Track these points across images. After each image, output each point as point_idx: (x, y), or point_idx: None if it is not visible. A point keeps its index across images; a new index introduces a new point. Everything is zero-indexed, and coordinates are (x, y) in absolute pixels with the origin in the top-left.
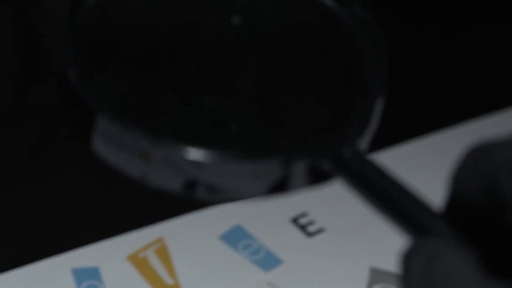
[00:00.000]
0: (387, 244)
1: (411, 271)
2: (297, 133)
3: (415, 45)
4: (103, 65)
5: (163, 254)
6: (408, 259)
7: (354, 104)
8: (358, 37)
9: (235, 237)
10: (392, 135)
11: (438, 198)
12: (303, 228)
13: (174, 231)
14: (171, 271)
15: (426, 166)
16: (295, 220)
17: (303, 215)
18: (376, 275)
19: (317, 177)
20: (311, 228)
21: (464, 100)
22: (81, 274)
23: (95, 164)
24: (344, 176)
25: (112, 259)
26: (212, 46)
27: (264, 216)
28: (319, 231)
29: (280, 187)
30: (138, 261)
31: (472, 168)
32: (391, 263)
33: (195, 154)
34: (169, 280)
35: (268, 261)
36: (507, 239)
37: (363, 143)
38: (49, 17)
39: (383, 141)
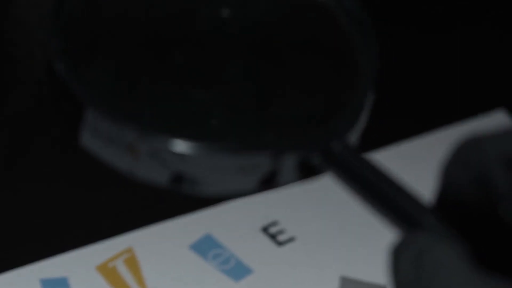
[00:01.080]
0: (358, 253)
1: (401, 266)
2: (287, 127)
3: (402, 46)
4: (90, 57)
5: (133, 264)
6: (397, 253)
7: (344, 98)
8: (348, 31)
9: (205, 247)
10: (384, 135)
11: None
12: (273, 237)
13: (143, 240)
14: (140, 281)
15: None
16: (265, 229)
17: (274, 224)
18: (346, 284)
19: (306, 172)
20: (282, 237)
21: (455, 100)
22: (49, 285)
23: (64, 176)
24: (333, 170)
25: (81, 269)
26: (202, 38)
27: (234, 225)
28: (290, 240)
29: (269, 181)
30: (107, 271)
31: (463, 162)
32: (361, 272)
33: (181, 146)
34: None
35: (238, 270)
36: (497, 232)
37: (353, 137)
38: (19, 25)
39: (376, 141)
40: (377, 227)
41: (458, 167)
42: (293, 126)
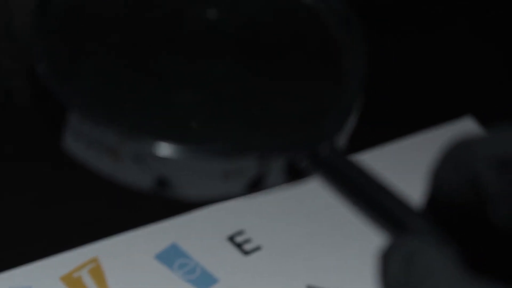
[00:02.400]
0: (324, 261)
1: (390, 269)
2: (273, 129)
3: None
4: (74, 59)
5: (98, 274)
6: (386, 257)
7: (332, 99)
8: (336, 31)
9: (171, 256)
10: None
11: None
12: (239, 246)
13: (109, 250)
14: None
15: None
16: (231, 238)
17: (240, 233)
18: None
19: (294, 174)
20: (248, 246)
21: (423, 108)
22: None
23: (29, 186)
24: (321, 173)
25: (46, 279)
26: (187, 40)
27: (200, 235)
28: (256, 249)
29: (256, 184)
30: (72, 281)
31: (453, 164)
32: (327, 280)
33: (165, 149)
34: None
35: (203, 280)
36: (488, 234)
37: (341, 139)
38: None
39: (362, 142)
40: (343, 235)
41: (449, 169)
42: (280, 128)
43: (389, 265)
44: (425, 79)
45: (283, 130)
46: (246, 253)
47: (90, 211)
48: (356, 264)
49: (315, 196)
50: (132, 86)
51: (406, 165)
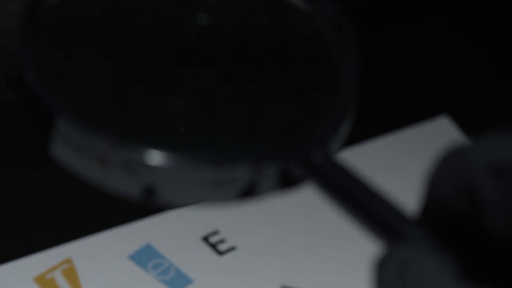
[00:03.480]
0: (298, 261)
1: (385, 278)
2: (265, 136)
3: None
4: (63, 65)
5: (71, 275)
6: (381, 266)
7: (325, 105)
8: (328, 36)
9: (145, 257)
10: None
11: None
12: (214, 246)
13: (82, 251)
14: None
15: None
16: (206, 239)
17: (214, 233)
18: None
19: (287, 182)
20: (222, 247)
21: (399, 106)
22: None
23: (1, 188)
24: (314, 181)
25: (19, 280)
26: (177, 45)
27: (174, 235)
28: (230, 249)
29: (248, 192)
30: (45, 282)
31: (448, 170)
32: (302, 280)
33: (155, 157)
34: None
35: (177, 280)
36: (484, 242)
37: (335, 145)
38: None
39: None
40: (317, 235)
41: (445, 176)
42: (272, 135)
43: (384, 273)
44: (401, 78)
45: (275, 137)
46: (220, 253)
47: (64, 212)
48: (331, 264)
49: (289, 196)
50: (121, 93)
51: (382, 163)
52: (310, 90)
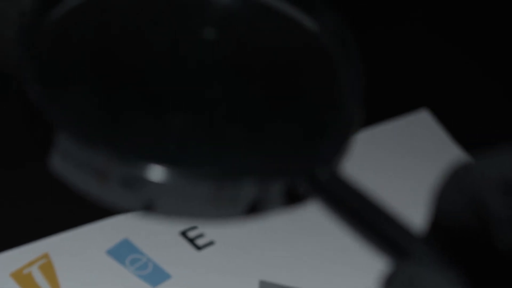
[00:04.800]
0: (277, 257)
1: None
2: (270, 152)
3: None
4: (65, 81)
5: (48, 270)
6: (388, 282)
7: (330, 121)
8: (332, 52)
9: (122, 252)
10: None
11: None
12: (192, 241)
13: (59, 246)
14: (56, 287)
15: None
16: (184, 233)
17: (193, 228)
18: None
19: (292, 198)
20: (200, 242)
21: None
22: None
23: None
24: (320, 197)
25: None
26: (182, 60)
27: (152, 230)
28: (209, 244)
29: (253, 209)
30: (22, 277)
31: (456, 186)
32: (280, 276)
33: (157, 173)
34: None
35: (155, 275)
36: (492, 259)
37: (340, 162)
38: None
39: None
40: (296, 230)
41: (453, 192)
42: (277, 151)
43: None
44: (381, 72)
45: (280, 154)
46: (198, 248)
47: (41, 207)
48: (309, 260)
49: None
50: (122, 108)
51: (362, 156)
52: (314, 106)
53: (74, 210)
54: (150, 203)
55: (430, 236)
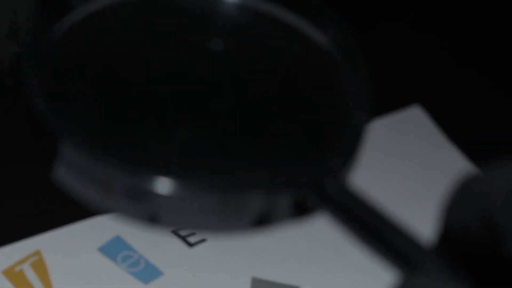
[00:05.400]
0: (269, 254)
1: None
2: (277, 165)
3: None
4: (70, 94)
5: (40, 267)
6: None
7: (337, 133)
8: (340, 64)
9: (114, 249)
10: None
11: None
12: (184, 238)
13: (51, 243)
14: (47, 284)
15: None
16: (176, 230)
17: None
18: (258, 285)
19: (301, 210)
20: (192, 239)
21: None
22: None
23: None
24: (328, 209)
25: None
26: (189, 71)
27: (144, 227)
28: (201, 241)
29: (261, 221)
30: (13, 275)
31: (466, 198)
32: (273, 273)
33: (164, 185)
34: None
35: (148, 272)
36: (502, 270)
37: (348, 173)
38: None
39: None
40: (288, 227)
41: (462, 203)
42: (285, 164)
43: None
44: (373, 69)
45: (287, 166)
46: (190, 245)
47: (33, 204)
48: (301, 257)
49: None
50: (129, 120)
51: None
52: (322, 118)
53: (66, 207)
54: (155, 215)
55: (439, 248)
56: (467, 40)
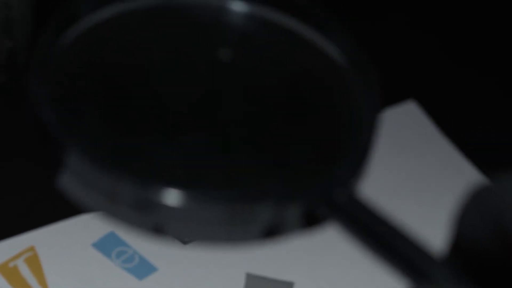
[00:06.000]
0: (264, 250)
1: None
2: (287, 175)
3: None
4: (78, 104)
5: (34, 263)
6: None
7: (346, 143)
8: (349, 74)
9: (109, 245)
10: None
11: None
12: None
13: (45, 239)
14: (42, 280)
15: None
16: None
17: None
18: (252, 281)
19: (310, 221)
20: None
21: None
22: None
23: None
24: (338, 220)
25: None
26: (197, 82)
27: None
28: None
29: (270, 232)
30: (8, 271)
31: (478, 210)
32: (267, 269)
33: (172, 197)
34: None
35: (142, 268)
36: None
37: (358, 183)
38: None
39: None
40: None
41: (474, 215)
42: (294, 174)
43: None
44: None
45: (297, 176)
46: (185, 241)
47: (27, 200)
48: (295, 253)
49: None
50: (136, 130)
51: None
52: (330, 128)
53: (60, 203)
54: (160, 226)
55: (450, 259)
56: (463, 36)
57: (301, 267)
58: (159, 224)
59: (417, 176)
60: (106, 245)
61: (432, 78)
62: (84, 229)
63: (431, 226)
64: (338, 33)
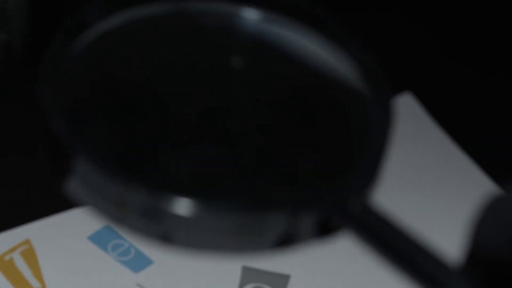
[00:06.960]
0: None
1: None
2: (301, 184)
3: None
4: (88, 111)
5: (30, 256)
6: None
7: (360, 152)
8: (362, 86)
9: (104, 238)
10: None
11: None
12: None
13: (41, 232)
14: (37, 273)
15: None
16: None
17: None
18: (248, 273)
19: (324, 230)
20: None
21: None
22: None
23: None
24: (352, 230)
25: None
26: (208, 91)
27: None
28: None
29: (283, 242)
30: (3, 264)
31: (494, 220)
32: (263, 262)
33: (183, 206)
34: (35, 283)
35: (137, 261)
36: None
37: (371, 193)
38: None
39: None
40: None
41: (490, 225)
42: (307, 183)
43: None
44: None
45: (310, 186)
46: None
47: (22, 193)
48: None
49: None
50: (147, 138)
51: None
52: (344, 137)
53: (56, 196)
54: (169, 235)
55: (466, 269)
56: (459, 29)
57: (297, 260)
58: (168, 233)
59: (413, 168)
60: (102, 238)
61: (428, 70)
62: (80, 222)
63: (428, 220)
64: (351, 42)
